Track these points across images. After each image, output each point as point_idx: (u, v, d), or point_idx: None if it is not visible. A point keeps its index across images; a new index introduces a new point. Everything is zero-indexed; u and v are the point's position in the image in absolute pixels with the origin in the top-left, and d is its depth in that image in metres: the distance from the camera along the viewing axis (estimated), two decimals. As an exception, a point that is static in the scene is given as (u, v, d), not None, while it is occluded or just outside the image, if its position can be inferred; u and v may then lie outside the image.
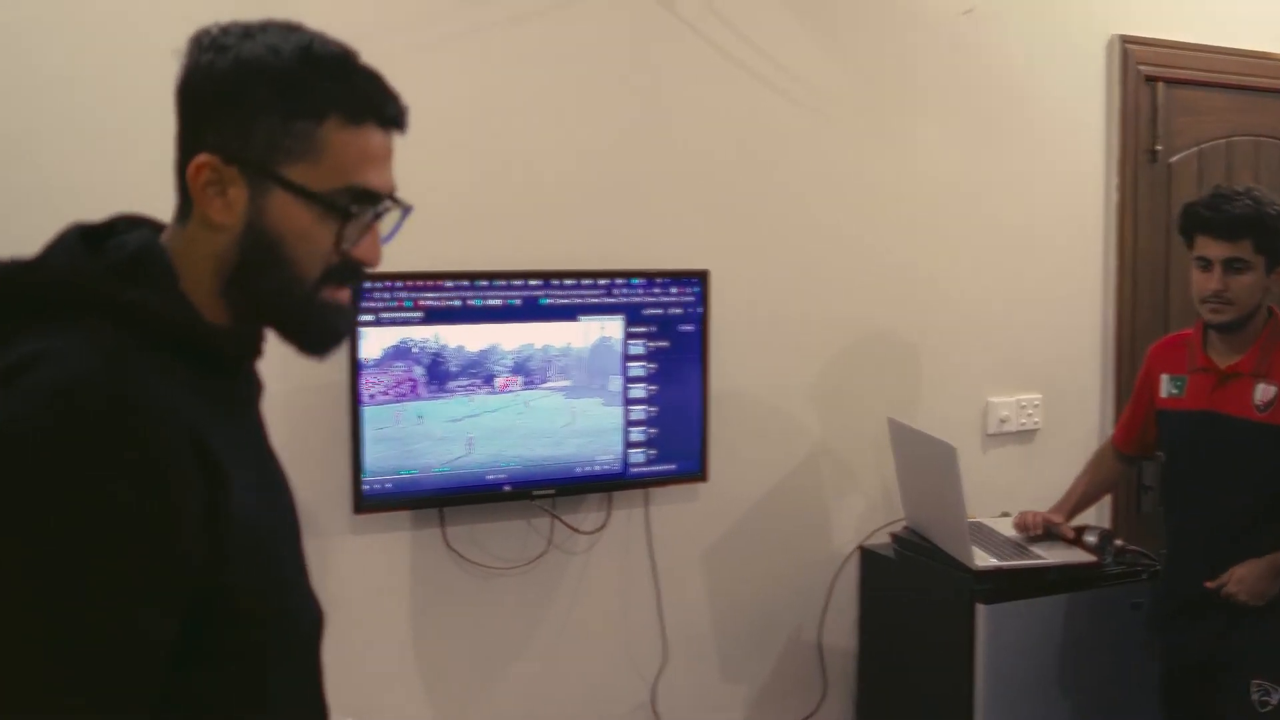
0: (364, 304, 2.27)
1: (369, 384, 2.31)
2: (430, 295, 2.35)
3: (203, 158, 1.09)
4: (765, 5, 2.76)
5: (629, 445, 2.56)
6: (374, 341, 2.31)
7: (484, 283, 2.39)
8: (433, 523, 2.50)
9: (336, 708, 2.43)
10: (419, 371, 2.35)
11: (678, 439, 2.61)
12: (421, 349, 2.35)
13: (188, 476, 1.01)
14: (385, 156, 1.17)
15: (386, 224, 1.19)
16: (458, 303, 2.37)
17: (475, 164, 2.47)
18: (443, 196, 2.44)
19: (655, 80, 2.65)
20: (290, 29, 1.14)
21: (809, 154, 2.84)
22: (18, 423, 0.98)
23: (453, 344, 2.37)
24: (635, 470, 2.58)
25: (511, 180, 2.52)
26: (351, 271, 1.17)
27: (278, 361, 1.21)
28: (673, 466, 2.62)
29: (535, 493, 2.49)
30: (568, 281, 2.47)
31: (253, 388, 1.26)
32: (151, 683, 1.02)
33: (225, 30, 1.12)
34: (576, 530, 2.64)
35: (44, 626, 0.96)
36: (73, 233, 1.12)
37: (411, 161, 2.45)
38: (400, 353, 2.34)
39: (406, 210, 1.20)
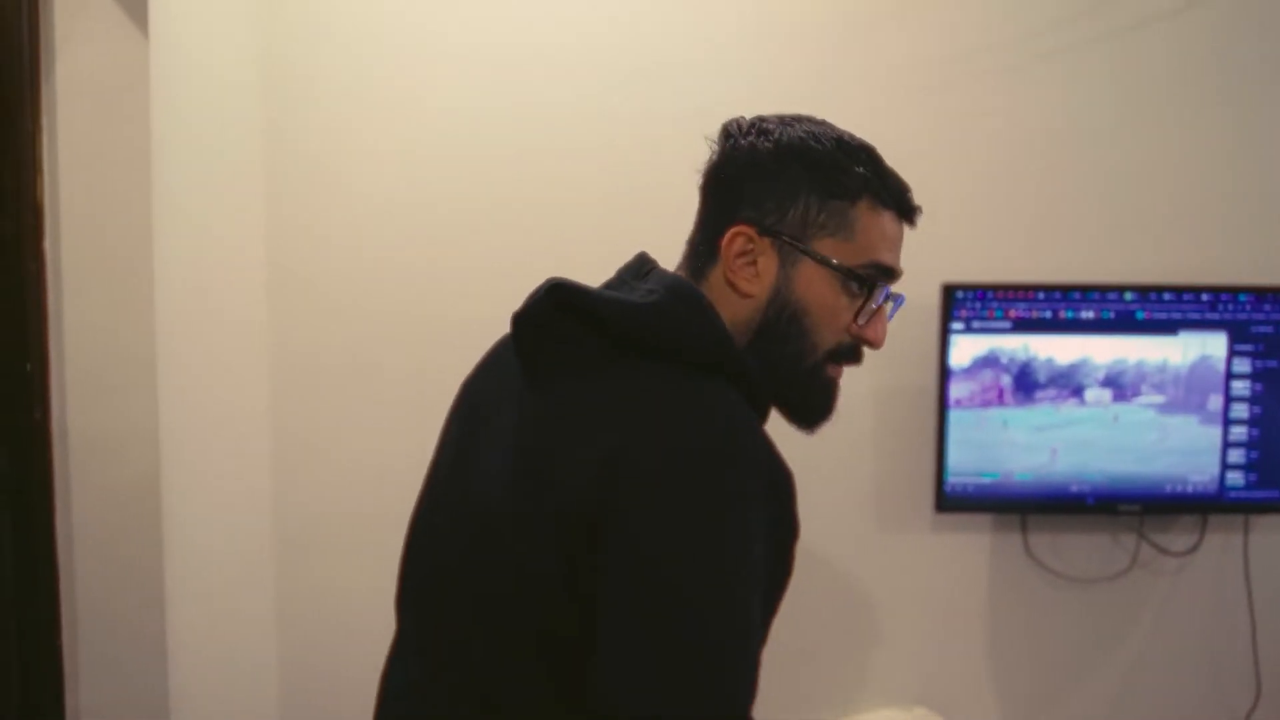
0: (955, 312, 2.38)
1: (956, 389, 2.41)
2: (1021, 305, 2.40)
3: (739, 227, 1.19)
4: None
5: (1226, 467, 2.44)
6: (964, 349, 2.40)
7: (1076, 294, 2.40)
8: (1013, 528, 2.55)
9: (903, 696, 2.58)
10: (1006, 380, 2.42)
11: (1285, 465, 2.44)
12: (1010, 358, 2.41)
13: None
14: (899, 244, 1.23)
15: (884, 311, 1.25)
16: (1049, 314, 2.40)
17: (1069, 176, 2.48)
18: (1038, 207, 2.48)
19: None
20: (819, 122, 1.23)
21: None
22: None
23: (1042, 354, 2.41)
24: (1233, 494, 2.45)
25: (1103, 190, 2.50)
26: (854, 352, 1.24)
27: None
28: (1276, 494, 2.45)
29: (1120, 508, 2.46)
30: (1166, 295, 2.40)
31: None
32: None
33: (762, 119, 1.23)
34: (1164, 551, 2.56)
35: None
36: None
37: (1014, 176, 2.53)
38: (989, 361, 2.41)
39: (899, 302, 1.25)
